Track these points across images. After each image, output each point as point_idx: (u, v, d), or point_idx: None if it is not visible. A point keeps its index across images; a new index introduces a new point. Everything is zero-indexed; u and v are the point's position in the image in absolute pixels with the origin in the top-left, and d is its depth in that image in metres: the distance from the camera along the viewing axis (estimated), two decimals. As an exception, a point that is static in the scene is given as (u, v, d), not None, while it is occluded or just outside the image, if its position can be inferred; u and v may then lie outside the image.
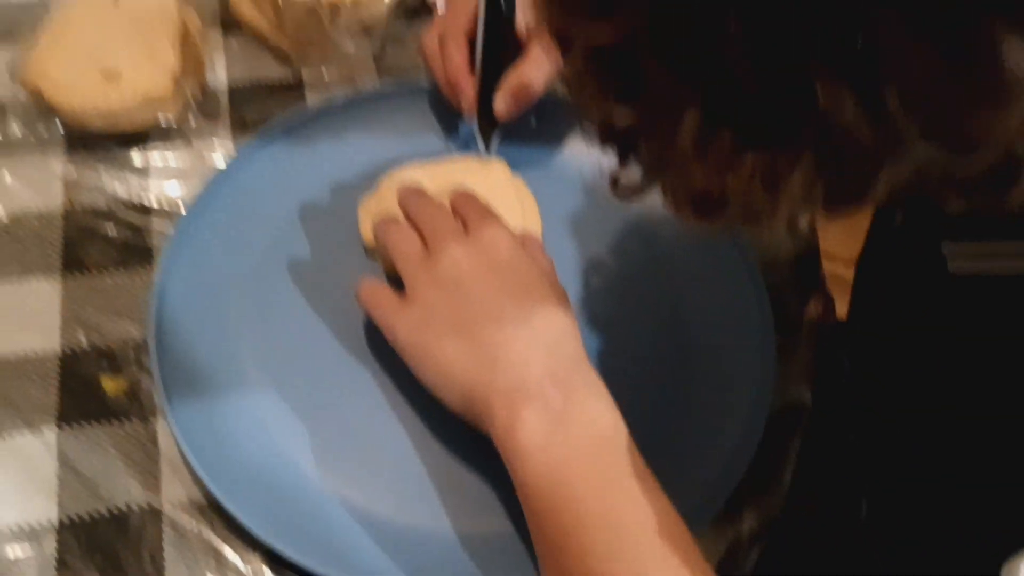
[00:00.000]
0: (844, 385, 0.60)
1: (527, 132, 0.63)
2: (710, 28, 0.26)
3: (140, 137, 0.61)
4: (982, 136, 0.26)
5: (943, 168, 0.27)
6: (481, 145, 0.61)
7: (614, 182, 0.36)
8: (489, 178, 0.60)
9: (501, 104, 0.59)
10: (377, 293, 0.51)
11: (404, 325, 0.48)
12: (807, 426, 0.55)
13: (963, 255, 0.46)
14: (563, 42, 0.31)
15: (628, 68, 0.29)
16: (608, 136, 0.34)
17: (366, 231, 0.57)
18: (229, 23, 0.68)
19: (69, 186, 0.59)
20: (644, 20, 0.28)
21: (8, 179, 0.59)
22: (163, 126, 0.61)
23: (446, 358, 0.47)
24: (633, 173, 0.35)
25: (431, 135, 0.63)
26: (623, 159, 0.35)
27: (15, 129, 0.60)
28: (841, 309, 0.64)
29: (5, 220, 0.58)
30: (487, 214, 0.53)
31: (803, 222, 0.57)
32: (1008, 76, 0.24)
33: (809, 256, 0.60)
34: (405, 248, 0.51)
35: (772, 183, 0.28)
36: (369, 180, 0.60)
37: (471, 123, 0.60)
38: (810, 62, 0.25)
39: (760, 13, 0.25)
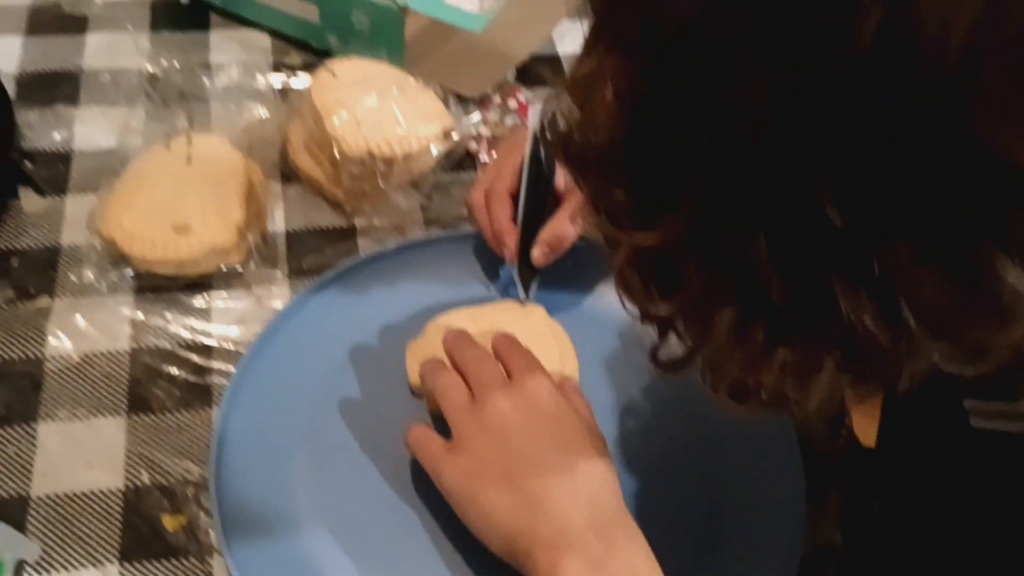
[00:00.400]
0: (874, 527, 0.61)
1: (564, 278, 0.66)
2: (743, 245, 0.30)
3: (204, 282, 0.66)
4: (990, 345, 0.29)
5: (958, 366, 0.30)
6: (521, 291, 0.65)
7: (654, 355, 0.39)
8: (528, 322, 0.64)
9: (539, 254, 0.63)
10: (425, 439, 0.54)
11: (451, 472, 0.51)
12: (838, 567, 0.56)
13: (985, 413, 0.48)
14: (609, 243, 0.34)
15: (668, 267, 0.33)
16: (649, 318, 0.37)
17: (413, 374, 0.60)
18: (288, 174, 0.73)
19: (136, 329, 0.63)
20: (685, 230, 0.31)
21: (80, 322, 0.63)
22: (225, 272, 0.66)
23: (491, 505, 0.49)
24: (672, 348, 0.38)
25: (474, 281, 0.67)
26: (663, 336, 0.38)
27: (89, 275, 0.65)
28: (870, 432, 0.66)
29: (76, 360, 0.62)
30: (529, 362, 0.56)
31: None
32: (1008, 295, 0.27)
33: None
34: (452, 395, 0.54)
35: (801, 377, 0.31)
36: (416, 324, 0.63)
37: (513, 271, 0.64)
38: (832, 279, 0.29)
39: (785, 236, 0.29)
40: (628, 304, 0.36)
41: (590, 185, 0.34)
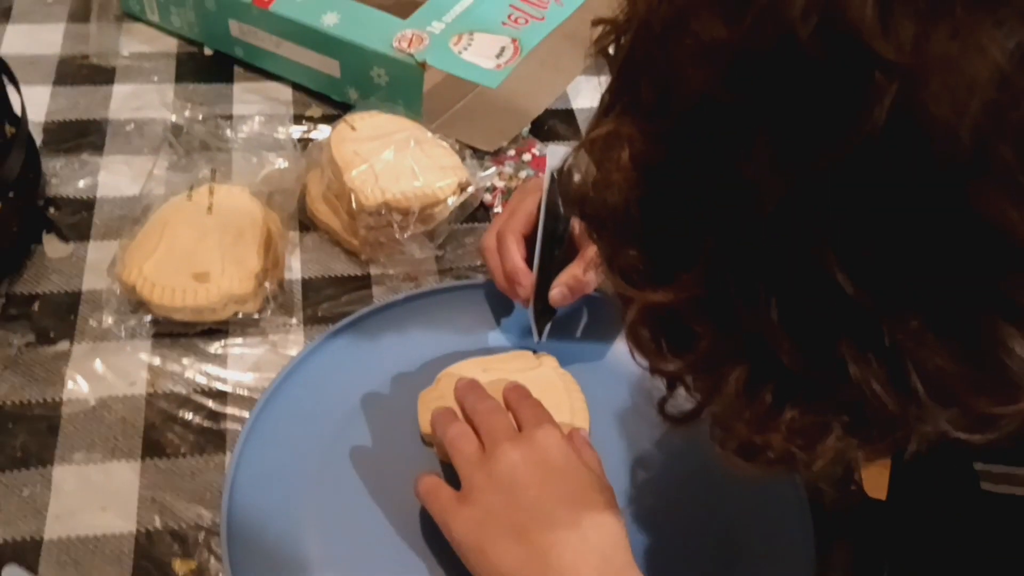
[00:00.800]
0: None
1: (577, 329, 0.67)
2: (754, 308, 0.30)
3: (221, 329, 0.67)
4: (999, 415, 0.29)
5: (967, 434, 0.31)
6: (535, 332, 0.65)
7: (662, 408, 0.40)
8: (539, 372, 0.64)
9: (557, 295, 0.63)
10: (434, 489, 0.54)
11: (460, 523, 0.51)
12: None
13: (995, 476, 0.48)
14: (622, 298, 0.35)
15: (680, 326, 0.33)
16: (658, 372, 0.37)
17: (424, 422, 0.61)
18: (306, 223, 0.75)
19: (153, 374, 0.64)
20: (697, 291, 0.32)
21: (99, 367, 0.64)
22: (242, 319, 0.67)
23: (499, 557, 0.49)
24: (681, 401, 0.39)
25: (486, 330, 0.68)
26: (671, 389, 0.39)
27: (108, 320, 0.66)
28: (880, 485, 0.66)
29: (93, 404, 0.63)
30: (539, 413, 0.56)
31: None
32: (1016, 368, 0.28)
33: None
34: (462, 446, 0.54)
35: (809, 439, 0.32)
36: (428, 373, 0.64)
37: (528, 311, 0.65)
38: (842, 344, 0.29)
39: (796, 301, 0.30)
40: (638, 358, 0.37)
41: (605, 242, 0.35)
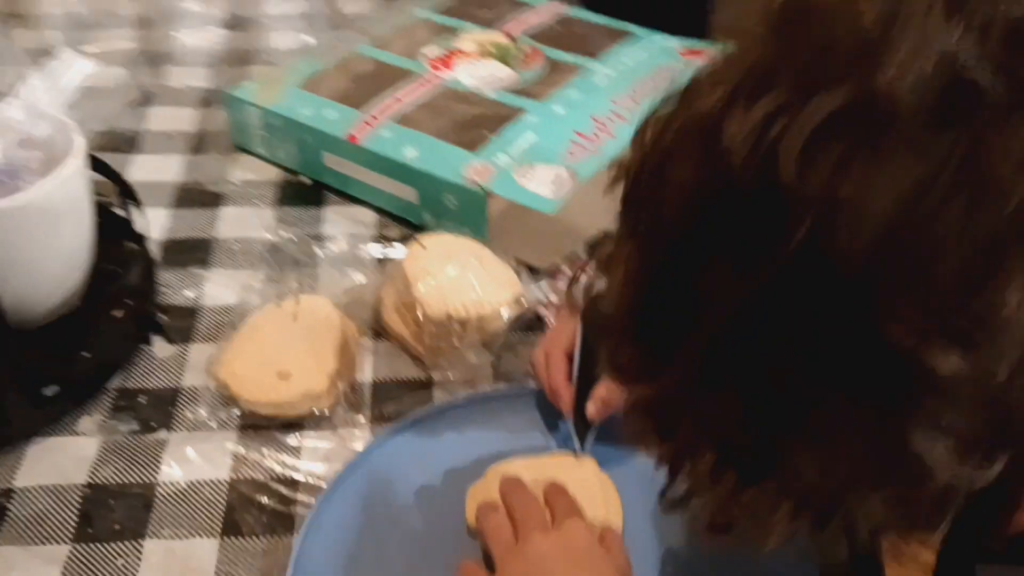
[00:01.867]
0: None
1: (618, 435, 0.72)
2: (715, 402, 0.36)
3: (298, 423, 0.75)
4: (911, 498, 0.34)
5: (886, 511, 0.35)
6: (576, 442, 0.71)
7: (662, 495, 0.45)
8: (579, 473, 0.70)
9: (592, 410, 0.70)
10: (471, 574, 0.60)
11: (494, 603, 0.57)
12: None
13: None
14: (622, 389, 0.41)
15: (663, 416, 0.40)
16: (659, 460, 0.43)
17: (470, 514, 0.67)
18: (379, 331, 0.83)
19: (237, 461, 0.72)
20: (674, 387, 0.39)
21: (191, 453, 0.73)
22: (316, 415, 0.75)
23: (527, 635, 0.54)
24: (678, 489, 0.44)
25: (535, 432, 0.75)
26: (672, 478, 0.44)
27: (202, 413, 0.75)
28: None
29: (183, 486, 0.71)
30: (569, 506, 0.62)
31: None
32: (917, 457, 0.33)
33: (869, 564, 0.65)
34: (498, 534, 0.60)
35: (762, 518, 0.37)
36: (479, 469, 0.70)
37: (568, 424, 0.71)
38: (784, 435, 0.35)
39: (745, 396, 0.36)
40: (640, 446, 0.43)
41: (606, 345, 0.42)
